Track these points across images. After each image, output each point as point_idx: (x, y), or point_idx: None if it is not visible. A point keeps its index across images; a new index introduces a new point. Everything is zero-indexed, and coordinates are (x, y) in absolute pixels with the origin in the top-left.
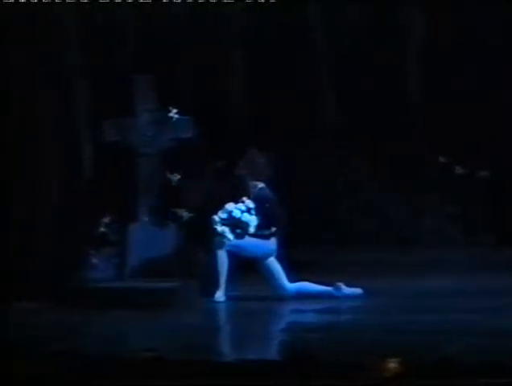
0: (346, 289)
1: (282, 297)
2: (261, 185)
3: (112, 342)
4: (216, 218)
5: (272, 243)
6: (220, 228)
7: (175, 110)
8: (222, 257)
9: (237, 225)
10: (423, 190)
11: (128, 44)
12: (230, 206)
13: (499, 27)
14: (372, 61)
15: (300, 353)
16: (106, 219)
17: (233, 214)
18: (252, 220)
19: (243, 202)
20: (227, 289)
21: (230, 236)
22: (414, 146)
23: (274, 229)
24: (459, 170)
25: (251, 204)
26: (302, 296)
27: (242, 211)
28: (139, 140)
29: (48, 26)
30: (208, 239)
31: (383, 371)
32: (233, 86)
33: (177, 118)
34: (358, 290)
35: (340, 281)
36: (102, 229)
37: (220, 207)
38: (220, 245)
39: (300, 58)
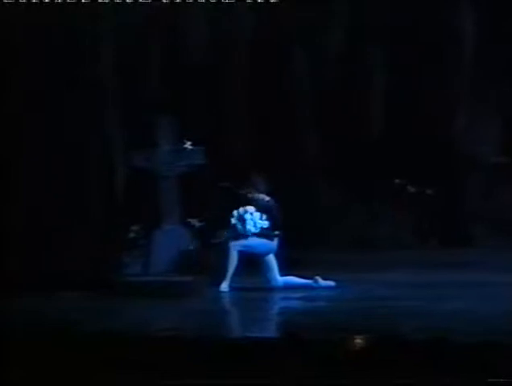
0: (322, 282)
1: (273, 287)
2: (267, 198)
3: (140, 324)
4: (235, 213)
5: (274, 243)
6: (234, 222)
7: (189, 142)
8: (233, 256)
9: (243, 224)
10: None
11: (156, 92)
12: (242, 211)
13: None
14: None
15: (287, 331)
16: (136, 227)
17: (245, 216)
18: (250, 228)
19: (251, 214)
20: (231, 282)
21: (240, 228)
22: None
23: (277, 232)
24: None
25: (257, 216)
26: (288, 287)
27: (246, 219)
28: (162, 166)
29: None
30: (215, 244)
31: (350, 346)
32: (234, 124)
33: (191, 149)
34: (331, 283)
35: (317, 276)
36: (132, 235)
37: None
38: (235, 239)
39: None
